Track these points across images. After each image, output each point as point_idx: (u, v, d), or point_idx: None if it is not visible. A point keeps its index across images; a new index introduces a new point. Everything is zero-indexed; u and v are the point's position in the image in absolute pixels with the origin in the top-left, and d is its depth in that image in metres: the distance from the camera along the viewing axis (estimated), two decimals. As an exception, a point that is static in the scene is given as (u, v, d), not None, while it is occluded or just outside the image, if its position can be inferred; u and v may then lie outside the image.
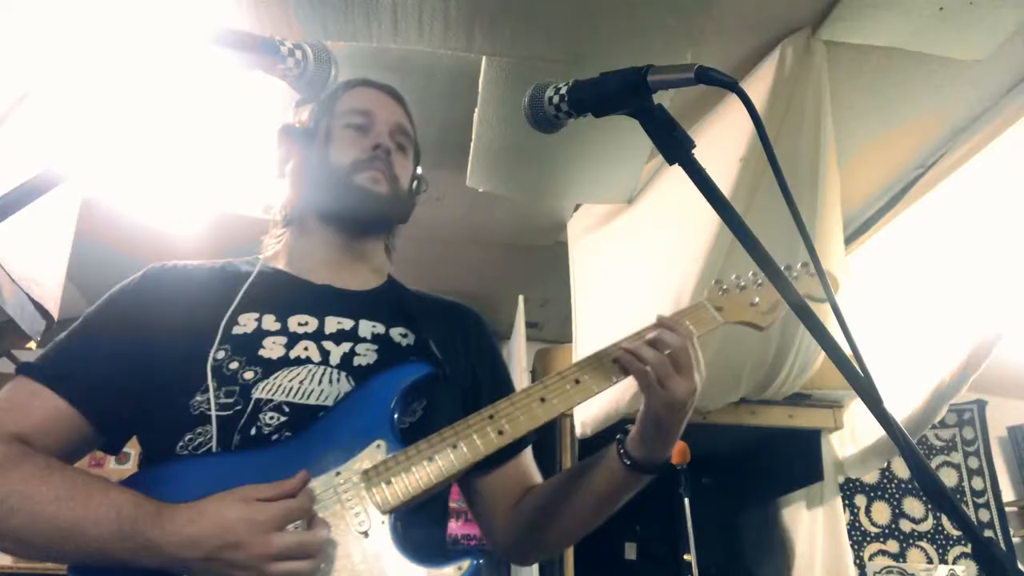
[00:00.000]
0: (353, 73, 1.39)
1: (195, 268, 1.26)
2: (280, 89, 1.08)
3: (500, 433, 1.08)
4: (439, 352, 1.22)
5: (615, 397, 2.82)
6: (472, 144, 2.52)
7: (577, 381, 1.14)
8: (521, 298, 3.38)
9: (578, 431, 3.18)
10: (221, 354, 1.11)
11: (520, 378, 3.25)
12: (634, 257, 2.83)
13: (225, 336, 1.13)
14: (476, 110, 2.38)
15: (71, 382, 1.08)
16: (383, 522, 0.99)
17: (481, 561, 1.00)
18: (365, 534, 0.98)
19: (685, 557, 2.99)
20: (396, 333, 1.23)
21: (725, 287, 1.32)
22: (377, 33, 2.04)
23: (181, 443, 1.05)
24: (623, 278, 2.85)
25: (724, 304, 1.30)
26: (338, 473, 1.02)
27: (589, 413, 3.07)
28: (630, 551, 4.08)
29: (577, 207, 3.26)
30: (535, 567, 3.03)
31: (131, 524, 0.93)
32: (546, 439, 3.46)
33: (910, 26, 2.17)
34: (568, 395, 1.13)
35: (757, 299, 1.31)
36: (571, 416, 3.23)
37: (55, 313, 2.26)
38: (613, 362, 1.16)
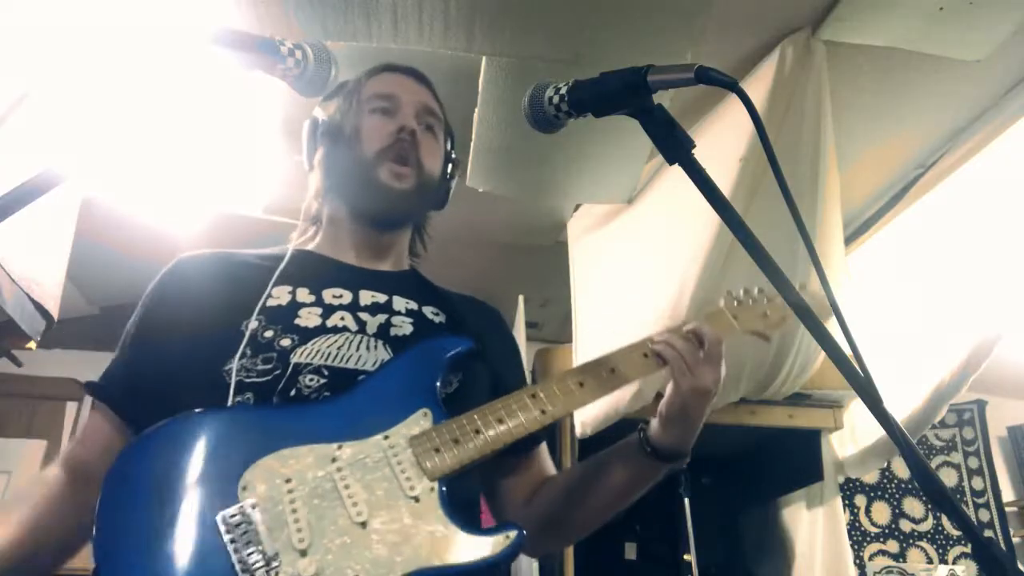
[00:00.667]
0: (353, 73, 1.39)
1: (227, 253, 1.27)
2: (280, 89, 1.09)
3: (543, 412, 1.11)
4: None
5: (615, 397, 2.81)
6: (472, 144, 2.51)
7: (613, 370, 1.19)
8: (521, 298, 3.37)
9: (578, 431, 3.18)
10: (255, 324, 1.11)
11: (520, 378, 3.23)
12: (634, 257, 2.83)
13: (258, 308, 1.14)
14: (476, 110, 2.38)
15: (125, 399, 1.15)
16: (432, 489, 1.00)
17: (525, 532, 1.01)
18: (416, 499, 0.99)
19: (685, 557, 2.99)
20: (428, 311, 1.25)
21: (737, 299, 1.42)
22: (377, 33, 2.04)
23: None
24: (623, 278, 2.85)
25: (739, 314, 1.40)
26: (386, 437, 1.03)
27: (589, 413, 3.06)
28: (630, 551, 4.07)
29: (577, 207, 3.26)
30: (535, 566, 3.03)
31: None
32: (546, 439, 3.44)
33: (910, 26, 2.17)
34: (604, 382, 1.18)
35: (768, 312, 1.43)
36: (571, 416, 3.23)
37: (55, 313, 2.26)
38: (645, 356, 1.20)
